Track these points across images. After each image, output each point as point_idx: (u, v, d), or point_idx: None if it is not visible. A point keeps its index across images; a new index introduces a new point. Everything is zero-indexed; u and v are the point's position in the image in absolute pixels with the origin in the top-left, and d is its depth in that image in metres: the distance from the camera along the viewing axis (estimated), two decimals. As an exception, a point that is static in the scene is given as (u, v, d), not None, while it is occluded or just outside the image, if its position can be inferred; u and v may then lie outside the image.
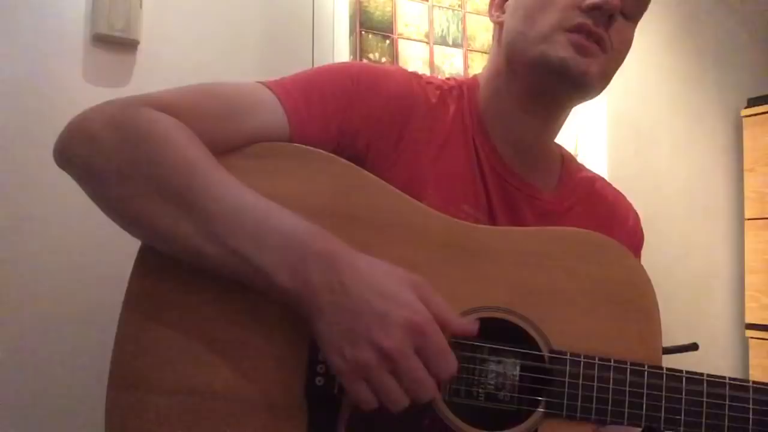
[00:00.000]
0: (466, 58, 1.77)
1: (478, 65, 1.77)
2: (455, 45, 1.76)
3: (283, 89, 0.75)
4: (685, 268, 2.23)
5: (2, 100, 1.32)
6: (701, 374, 0.66)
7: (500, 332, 0.68)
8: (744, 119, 2.31)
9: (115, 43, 1.41)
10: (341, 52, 1.67)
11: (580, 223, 0.83)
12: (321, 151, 0.73)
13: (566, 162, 0.92)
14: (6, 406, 1.28)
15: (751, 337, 2.23)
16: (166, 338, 0.66)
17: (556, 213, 0.86)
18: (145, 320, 0.67)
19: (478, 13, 1.79)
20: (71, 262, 1.35)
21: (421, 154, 0.80)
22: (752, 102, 2.31)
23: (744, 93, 2.36)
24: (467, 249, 0.69)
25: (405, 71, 0.85)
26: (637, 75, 2.16)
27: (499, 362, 0.69)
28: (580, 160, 1.01)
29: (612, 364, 0.67)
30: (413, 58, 1.70)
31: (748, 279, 2.26)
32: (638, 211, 0.95)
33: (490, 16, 0.89)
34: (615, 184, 0.97)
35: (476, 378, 0.68)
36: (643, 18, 0.84)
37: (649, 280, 0.70)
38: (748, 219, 2.28)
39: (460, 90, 0.87)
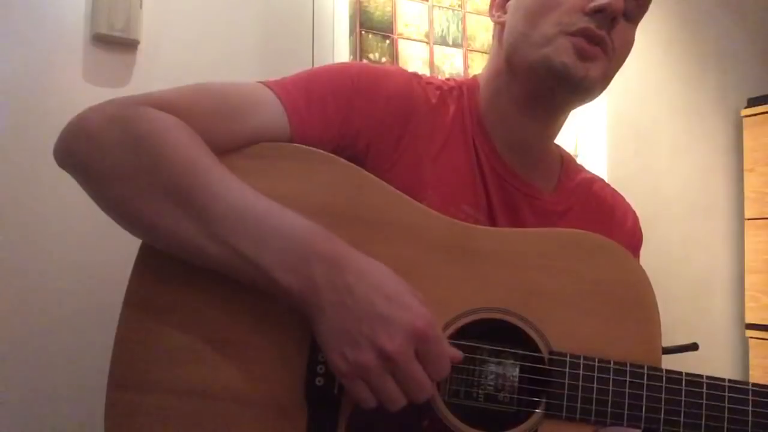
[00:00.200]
0: (466, 58, 1.77)
1: (478, 65, 1.77)
2: (455, 45, 1.76)
3: (283, 89, 0.75)
4: (685, 268, 2.23)
5: (2, 100, 1.32)
6: (701, 376, 0.66)
7: (500, 333, 0.68)
8: (744, 119, 2.31)
9: (115, 43, 1.41)
10: (341, 52, 1.67)
11: (579, 224, 0.83)
12: (321, 151, 0.73)
13: (566, 163, 0.92)
14: (6, 405, 1.28)
15: (751, 337, 2.23)
16: (166, 338, 0.66)
17: (555, 214, 0.86)
18: (146, 320, 0.67)
19: (478, 13, 1.79)
20: (71, 262, 1.35)
21: (421, 155, 0.80)
22: (752, 102, 2.31)
23: (744, 93, 2.36)
24: (467, 250, 0.69)
25: (405, 71, 0.85)
26: (637, 75, 2.16)
27: (498, 363, 0.69)
28: (580, 160, 1.01)
29: (612, 365, 0.67)
30: (413, 58, 1.70)
31: (748, 279, 2.26)
32: (638, 212, 0.95)
33: (491, 16, 0.88)
34: (615, 185, 0.97)
35: (476, 379, 0.68)
36: (643, 18, 0.84)
37: (648, 281, 0.70)
38: (748, 219, 2.28)
39: (460, 90, 0.87)
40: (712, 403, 0.66)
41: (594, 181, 0.94)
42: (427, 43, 1.73)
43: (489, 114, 0.85)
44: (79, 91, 1.38)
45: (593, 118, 2.02)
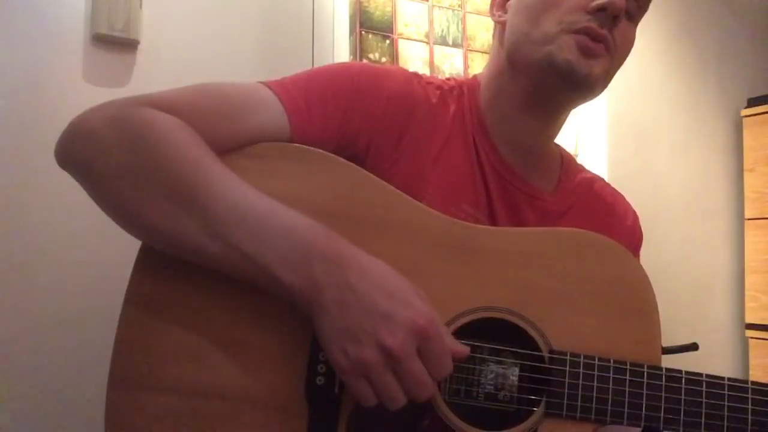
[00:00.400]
0: (466, 58, 1.77)
1: (478, 65, 1.77)
2: (455, 45, 1.76)
3: (283, 89, 0.75)
4: (685, 268, 2.23)
5: (2, 100, 1.32)
6: (700, 374, 0.66)
7: (500, 332, 0.68)
8: (744, 119, 2.31)
9: (115, 43, 1.41)
10: (341, 52, 1.67)
11: (579, 223, 0.83)
12: (321, 151, 0.73)
13: (566, 162, 0.92)
14: (6, 405, 1.28)
15: (751, 337, 2.23)
16: (166, 337, 0.67)
17: (556, 213, 0.86)
18: (146, 319, 0.67)
19: (478, 13, 1.79)
20: (71, 262, 1.35)
21: (421, 154, 0.80)
22: (752, 102, 2.31)
23: (744, 93, 2.36)
24: (467, 249, 0.70)
25: (405, 71, 0.85)
26: (637, 75, 2.16)
27: (499, 362, 0.69)
28: (580, 160, 1.01)
29: (612, 364, 0.67)
30: (413, 58, 1.70)
31: (748, 279, 2.26)
32: (638, 212, 0.95)
33: (492, 15, 0.88)
34: (615, 184, 0.97)
35: (476, 378, 0.68)
36: (643, 18, 0.85)
37: (648, 281, 0.70)
38: (748, 219, 2.28)
39: (461, 90, 0.87)
40: (712, 401, 0.66)
41: (594, 180, 0.94)
42: (427, 43, 1.73)
43: (490, 113, 0.85)
44: (79, 91, 1.38)
45: (593, 118, 2.02)
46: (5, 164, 1.31)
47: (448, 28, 1.76)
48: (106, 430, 0.66)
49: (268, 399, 0.65)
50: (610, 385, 0.66)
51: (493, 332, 0.68)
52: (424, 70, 1.69)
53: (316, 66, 1.04)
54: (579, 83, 0.77)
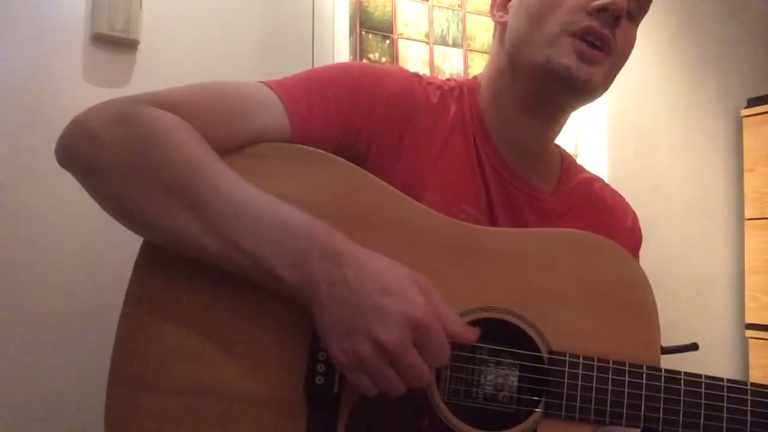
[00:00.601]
0: (466, 58, 1.77)
1: (478, 65, 1.77)
2: (455, 45, 1.76)
3: (284, 89, 0.75)
4: (685, 268, 2.23)
5: (2, 100, 1.32)
6: (699, 375, 0.66)
7: (499, 333, 0.68)
8: (744, 119, 2.30)
9: (115, 43, 1.41)
10: (341, 52, 1.67)
11: (579, 223, 0.83)
12: (321, 151, 0.73)
13: (566, 163, 0.92)
14: (6, 405, 1.28)
15: (751, 337, 2.23)
16: (166, 337, 0.67)
17: (556, 213, 0.86)
18: (146, 318, 0.67)
19: (478, 13, 1.79)
20: (72, 262, 1.35)
21: (421, 154, 0.80)
22: (752, 102, 2.31)
23: (744, 93, 2.36)
24: (467, 249, 0.70)
25: (406, 71, 0.85)
26: (637, 75, 2.16)
27: (498, 363, 0.69)
28: (580, 160, 1.01)
29: (611, 365, 0.67)
30: (413, 58, 1.70)
31: (748, 279, 2.26)
32: (638, 212, 0.95)
33: (492, 15, 0.88)
34: (615, 184, 0.97)
35: (476, 379, 0.68)
36: (643, 18, 0.85)
37: (647, 281, 0.70)
38: (748, 219, 2.28)
39: (461, 90, 0.87)
40: (711, 402, 0.66)
41: (594, 181, 0.94)
42: (427, 43, 1.73)
43: (490, 114, 0.85)
44: (79, 91, 1.38)
45: (593, 118, 2.02)
46: (5, 164, 1.31)
47: (448, 28, 1.76)
48: (106, 429, 0.66)
49: (268, 398, 0.65)
50: (609, 386, 0.66)
51: (492, 333, 0.68)
52: (424, 70, 1.69)
53: (316, 66, 1.03)
54: (578, 89, 0.77)
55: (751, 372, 2.21)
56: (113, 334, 0.67)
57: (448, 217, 0.71)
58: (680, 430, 0.65)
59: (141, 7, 1.42)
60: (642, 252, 0.93)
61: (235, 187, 0.64)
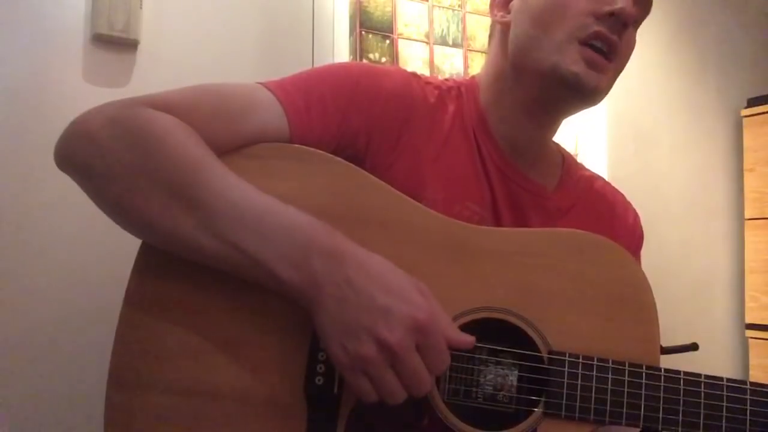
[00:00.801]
0: (466, 58, 1.77)
1: (478, 65, 1.77)
2: (455, 45, 1.76)
3: (282, 90, 0.75)
4: (685, 268, 2.23)
5: (2, 100, 1.32)
6: (699, 375, 0.67)
7: (499, 333, 0.68)
8: (744, 119, 2.30)
9: (115, 43, 1.41)
10: (341, 52, 1.67)
11: (581, 221, 0.83)
12: (320, 151, 0.73)
13: (566, 161, 0.93)
14: (6, 405, 1.28)
15: (751, 337, 2.23)
16: (165, 337, 0.67)
17: (559, 210, 0.86)
18: (145, 319, 0.67)
19: (478, 13, 1.79)
20: (71, 262, 1.35)
21: (420, 154, 0.80)
22: (752, 102, 2.30)
23: (744, 93, 2.36)
24: (466, 249, 0.70)
25: (404, 71, 0.85)
26: (637, 75, 2.16)
27: (498, 363, 0.69)
28: (580, 160, 1.01)
29: (610, 365, 0.67)
30: (413, 58, 1.70)
31: (748, 279, 2.26)
32: (638, 211, 0.95)
33: (493, 15, 0.87)
34: (615, 184, 0.97)
35: (475, 379, 0.68)
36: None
37: (647, 281, 0.70)
38: (748, 219, 2.28)
39: (459, 90, 0.87)
40: (711, 402, 0.66)
41: (594, 179, 0.94)
42: (427, 43, 1.73)
43: (491, 113, 0.85)
44: (79, 91, 1.38)
45: (593, 118, 2.02)
46: (5, 164, 1.31)
47: (448, 28, 1.76)
48: (105, 429, 0.66)
49: (268, 399, 0.65)
50: (609, 386, 0.66)
51: (492, 333, 0.68)
52: (424, 70, 1.69)
53: (315, 66, 1.03)
54: (586, 95, 0.78)
55: (751, 372, 2.21)
56: (113, 334, 0.67)
57: (447, 217, 0.71)
58: (680, 429, 0.65)
59: (141, 7, 1.42)
60: (642, 251, 0.93)
61: (234, 187, 0.64)
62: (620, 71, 0.82)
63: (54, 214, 1.34)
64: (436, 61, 1.73)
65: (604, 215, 0.90)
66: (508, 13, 0.84)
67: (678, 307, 2.16)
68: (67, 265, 1.35)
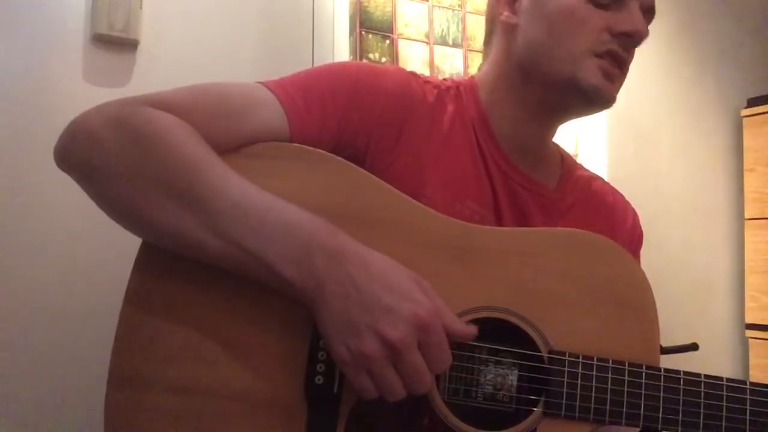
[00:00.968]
0: (466, 58, 1.77)
1: (478, 65, 1.77)
2: (455, 45, 1.76)
3: (282, 89, 0.75)
4: (685, 268, 2.23)
5: (2, 100, 1.32)
6: (699, 375, 0.66)
7: (499, 332, 0.68)
8: (744, 119, 2.30)
9: (115, 43, 1.41)
10: (341, 52, 1.67)
11: (582, 220, 0.84)
12: (320, 151, 0.73)
13: (565, 161, 0.93)
14: (6, 405, 1.28)
15: (751, 337, 2.23)
16: (166, 336, 0.67)
17: (559, 209, 0.86)
18: (146, 319, 0.67)
19: (478, 13, 1.79)
20: (71, 262, 1.35)
21: (420, 153, 0.80)
22: (752, 102, 2.30)
23: (744, 93, 2.36)
24: (466, 249, 0.70)
25: (403, 70, 0.85)
26: (637, 75, 2.14)
27: (498, 363, 0.69)
28: (580, 160, 1.01)
29: (610, 365, 0.67)
30: (413, 58, 1.70)
31: (748, 279, 2.26)
32: (638, 212, 0.95)
33: (498, 13, 0.86)
34: (615, 184, 0.97)
35: (475, 378, 0.68)
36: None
37: (647, 281, 0.70)
38: (748, 219, 2.28)
39: (458, 90, 0.87)
40: (711, 402, 0.66)
41: (593, 179, 0.95)
42: (427, 43, 1.73)
43: (493, 113, 0.85)
44: (79, 91, 1.38)
45: (593, 118, 2.02)
46: (5, 164, 1.31)
47: (448, 28, 1.76)
48: (105, 429, 0.66)
49: (268, 398, 0.65)
50: (609, 386, 0.66)
51: (492, 332, 0.68)
52: (424, 70, 1.69)
53: (315, 66, 1.03)
54: (602, 105, 0.80)
55: (751, 372, 2.21)
56: (113, 334, 0.67)
57: (447, 217, 0.71)
58: (680, 429, 0.65)
59: (141, 7, 1.42)
60: (642, 252, 0.93)
61: (235, 186, 0.64)
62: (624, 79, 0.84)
63: (54, 214, 1.34)
64: (436, 61, 1.73)
65: (603, 215, 0.90)
66: (514, 13, 0.84)
67: (678, 307, 2.16)
68: (67, 265, 1.35)
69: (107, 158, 0.65)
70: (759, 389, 0.66)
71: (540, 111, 0.84)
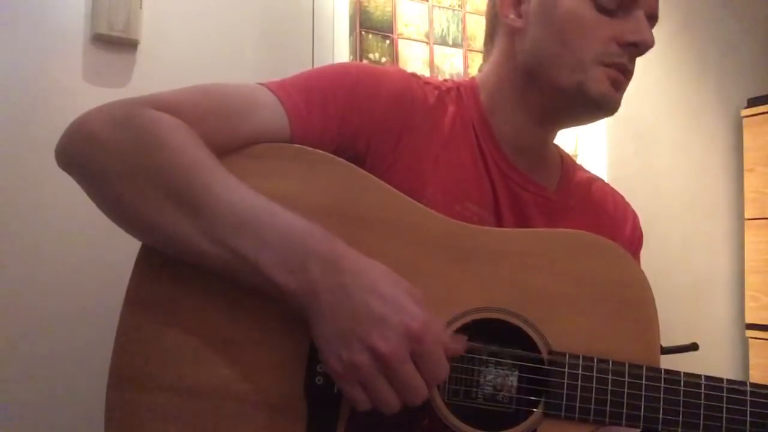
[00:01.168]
0: (466, 58, 1.77)
1: (478, 65, 1.77)
2: (455, 45, 1.76)
3: (283, 90, 0.75)
4: (685, 268, 2.23)
5: (2, 100, 1.32)
6: (699, 376, 0.67)
7: (499, 333, 0.68)
8: (744, 119, 2.30)
9: (115, 43, 1.41)
10: (341, 52, 1.67)
11: (582, 221, 0.84)
12: (321, 151, 0.73)
13: (565, 162, 0.93)
14: (6, 405, 1.28)
15: (751, 337, 2.23)
16: (166, 337, 0.67)
17: (560, 211, 0.86)
18: (145, 319, 0.67)
19: (478, 13, 1.79)
20: (72, 262, 1.35)
21: (421, 154, 0.80)
22: (752, 102, 2.30)
23: (744, 93, 2.36)
24: (467, 250, 0.70)
25: (404, 71, 0.85)
26: (637, 75, 2.14)
27: (498, 363, 0.69)
28: (579, 160, 1.01)
29: (610, 366, 0.67)
30: (413, 58, 1.70)
31: (748, 279, 2.26)
32: (638, 211, 0.95)
33: (503, 15, 0.84)
34: (615, 184, 0.97)
35: (476, 379, 0.68)
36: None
37: (647, 282, 0.70)
38: (748, 219, 2.28)
39: (458, 91, 0.86)
40: (711, 403, 0.66)
41: (593, 180, 0.95)
42: (427, 43, 1.73)
43: (495, 115, 0.85)
44: (79, 91, 1.38)
45: (593, 118, 2.02)
46: (5, 164, 1.31)
47: (448, 28, 1.76)
48: (105, 430, 0.66)
49: (268, 399, 0.65)
50: (609, 387, 0.66)
51: (492, 333, 0.68)
52: (424, 71, 1.69)
53: (316, 66, 1.03)
54: (607, 112, 0.81)
55: (751, 372, 2.21)
56: (113, 334, 0.67)
57: (448, 218, 0.71)
58: (680, 430, 0.65)
59: (141, 7, 1.42)
60: (642, 252, 0.93)
61: (234, 191, 0.64)
62: None
63: (54, 214, 1.34)
64: (436, 61, 1.73)
65: (603, 216, 0.90)
66: (519, 16, 0.83)
67: (678, 307, 2.16)
68: (67, 266, 1.35)
69: (107, 160, 0.65)
70: (759, 390, 0.66)
71: (543, 115, 0.84)
